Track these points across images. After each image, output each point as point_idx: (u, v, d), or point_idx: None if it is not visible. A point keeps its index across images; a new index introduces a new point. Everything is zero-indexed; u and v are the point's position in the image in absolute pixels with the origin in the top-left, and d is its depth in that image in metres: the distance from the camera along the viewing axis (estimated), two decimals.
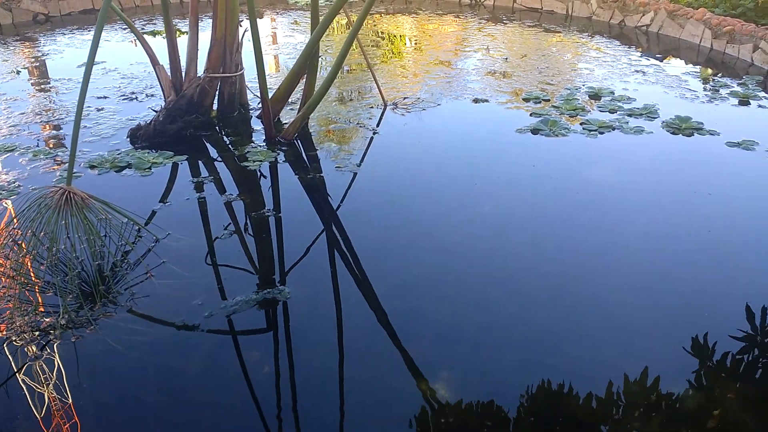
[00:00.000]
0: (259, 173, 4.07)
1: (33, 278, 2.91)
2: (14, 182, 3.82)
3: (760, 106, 5.28)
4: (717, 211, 3.62)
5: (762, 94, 5.54)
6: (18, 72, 6.14)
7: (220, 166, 4.21)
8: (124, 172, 4.03)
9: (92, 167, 4.05)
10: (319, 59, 6.22)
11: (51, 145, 4.42)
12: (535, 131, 4.65)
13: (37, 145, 4.40)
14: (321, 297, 2.85)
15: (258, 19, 8.61)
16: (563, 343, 2.57)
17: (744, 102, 5.36)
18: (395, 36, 7.96)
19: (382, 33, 8.12)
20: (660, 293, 2.89)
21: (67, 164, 4.00)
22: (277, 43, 7.61)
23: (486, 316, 2.73)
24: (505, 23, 8.47)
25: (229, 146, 4.52)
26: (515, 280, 2.99)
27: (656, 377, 2.36)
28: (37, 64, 6.47)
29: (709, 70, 6.28)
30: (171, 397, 2.29)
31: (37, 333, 2.54)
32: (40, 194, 2.97)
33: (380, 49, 7.22)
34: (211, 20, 4.59)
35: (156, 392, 2.30)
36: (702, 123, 4.73)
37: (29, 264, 2.99)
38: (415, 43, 7.60)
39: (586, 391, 2.30)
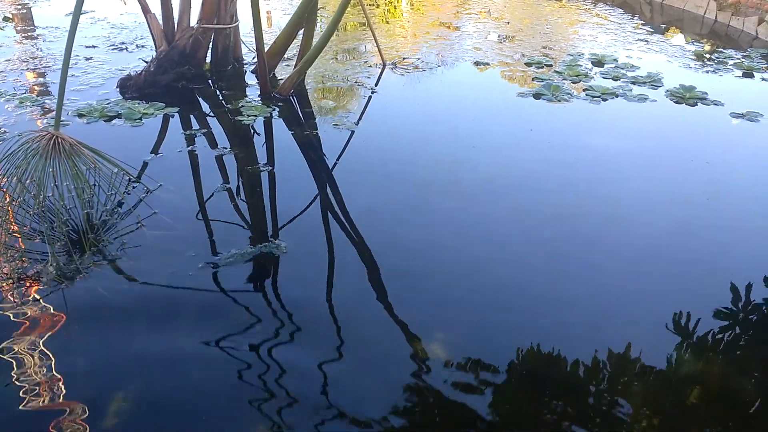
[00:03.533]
0: (252, 130, 3.95)
1: (18, 225, 2.81)
2: (0, 128, 3.68)
3: (764, 78, 5.20)
4: (717, 181, 3.56)
5: (767, 66, 5.46)
6: (6, 18, 5.92)
7: (213, 120, 4.08)
8: (113, 122, 3.90)
9: (80, 116, 3.91)
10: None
11: (38, 93, 4.27)
12: (537, 96, 4.54)
13: (24, 92, 4.25)
14: (316, 252, 2.77)
15: None
16: (553, 307, 2.51)
17: (748, 74, 5.27)
18: None
19: None
20: (654, 261, 2.82)
21: (54, 111, 3.86)
22: None
23: (479, 278, 2.67)
24: None
25: (223, 100, 4.39)
26: (509, 243, 2.92)
27: (642, 346, 2.31)
28: (24, 11, 6.25)
29: (711, 44, 6.18)
30: (160, 347, 2.22)
31: (25, 279, 2.45)
32: (26, 138, 2.84)
33: (379, 8, 7.04)
34: None
35: (145, 341, 2.23)
36: (706, 93, 4.65)
37: (13, 210, 2.88)
38: (415, 4, 7.41)
39: (575, 355, 2.25)
